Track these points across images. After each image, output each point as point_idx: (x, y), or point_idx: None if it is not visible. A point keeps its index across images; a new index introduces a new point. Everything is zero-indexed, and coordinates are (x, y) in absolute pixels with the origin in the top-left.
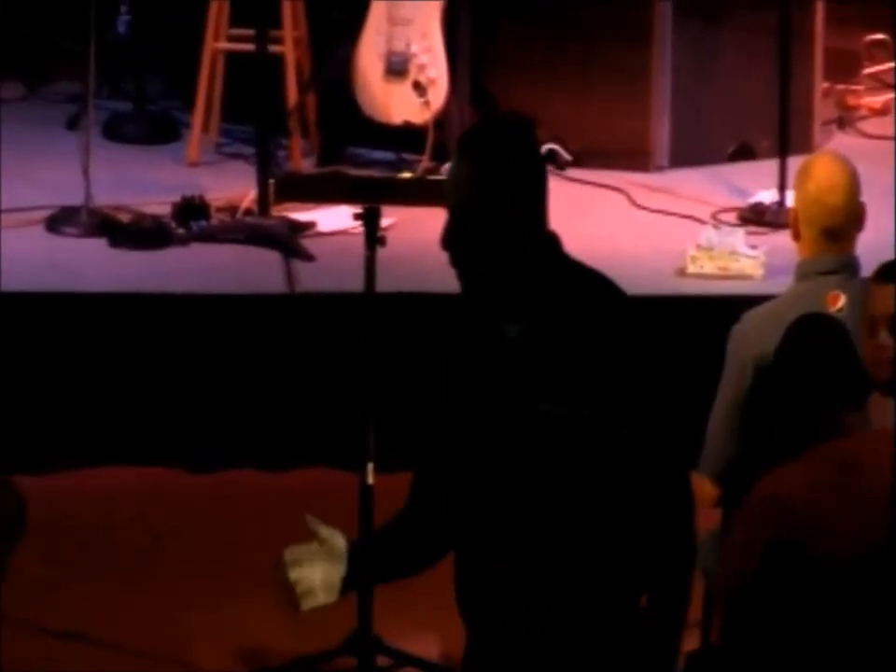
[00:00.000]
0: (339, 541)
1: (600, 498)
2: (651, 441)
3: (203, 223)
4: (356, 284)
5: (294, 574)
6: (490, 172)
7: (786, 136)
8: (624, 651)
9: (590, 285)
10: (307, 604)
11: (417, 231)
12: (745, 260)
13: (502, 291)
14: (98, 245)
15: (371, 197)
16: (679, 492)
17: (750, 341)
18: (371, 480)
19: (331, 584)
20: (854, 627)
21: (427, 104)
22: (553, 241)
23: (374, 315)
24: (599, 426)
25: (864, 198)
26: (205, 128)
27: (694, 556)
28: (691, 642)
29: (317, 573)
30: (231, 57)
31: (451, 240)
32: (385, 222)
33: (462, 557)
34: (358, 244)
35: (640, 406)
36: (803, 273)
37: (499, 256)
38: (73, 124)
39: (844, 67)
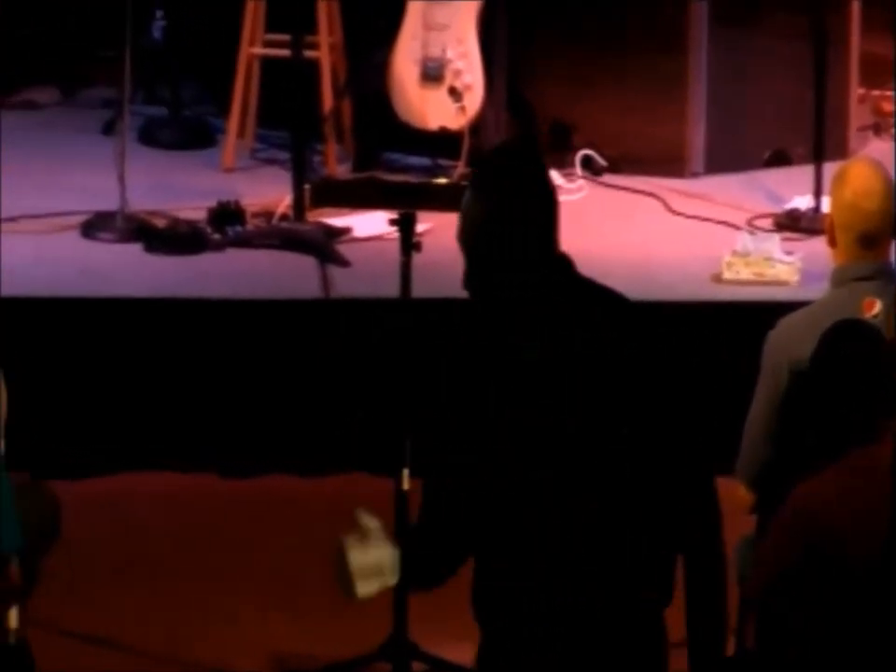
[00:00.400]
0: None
1: (610, 501)
2: (669, 447)
3: (239, 228)
4: (391, 289)
5: (355, 559)
6: (505, 210)
7: (821, 142)
8: (634, 655)
9: (600, 298)
10: (368, 588)
11: (452, 237)
12: (780, 266)
13: (518, 314)
14: (133, 250)
15: (406, 202)
16: (702, 498)
17: (786, 347)
18: (406, 485)
19: (393, 565)
20: (884, 635)
21: (462, 109)
22: (565, 262)
23: (409, 320)
24: (614, 436)
25: None
26: (241, 133)
27: (724, 565)
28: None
29: (381, 554)
30: (267, 62)
31: (472, 279)
32: (420, 227)
33: (476, 560)
34: (394, 249)
35: (656, 412)
36: (838, 279)
37: (516, 282)
38: (108, 129)
39: (879, 73)
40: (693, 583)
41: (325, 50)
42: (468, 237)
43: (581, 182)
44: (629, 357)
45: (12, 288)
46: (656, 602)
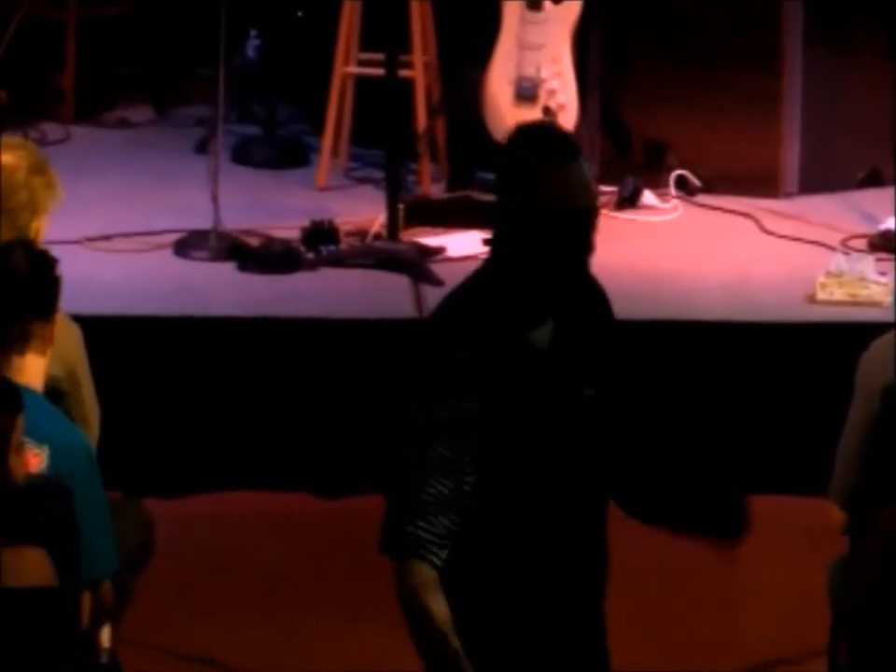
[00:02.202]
0: None
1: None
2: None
3: (333, 248)
4: None
5: None
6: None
7: None
8: None
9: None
10: None
11: None
12: (874, 287)
13: (544, 299)
14: (227, 269)
15: None
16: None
17: (879, 368)
18: None
19: None
20: None
21: None
22: None
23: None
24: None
25: None
26: (335, 152)
27: None
28: (819, 667)
29: None
30: (361, 81)
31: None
32: None
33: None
34: None
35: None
36: None
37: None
38: (202, 148)
39: None
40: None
41: (419, 69)
42: (587, 197)
43: (675, 202)
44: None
45: (106, 307)
46: None
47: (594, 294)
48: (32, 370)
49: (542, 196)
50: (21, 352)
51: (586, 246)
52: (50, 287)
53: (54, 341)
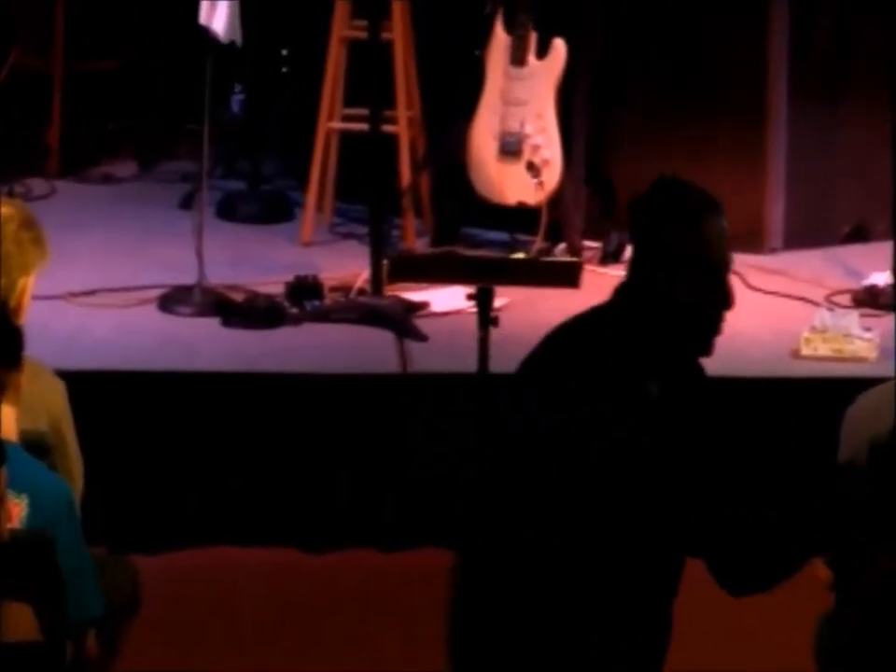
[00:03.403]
0: None
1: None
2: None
3: (317, 303)
4: (469, 364)
5: None
6: None
7: None
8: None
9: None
10: None
11: (531, 312)
12: (859, 343)
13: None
14: (211, 323)
15: (484, 277)
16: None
17: (864, 423)
18: None
19: None
20: None
21: (540, 184)
22: None
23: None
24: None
25: None
26: (319, 207)
27: None
28: None
29: None
30: (346, 136)
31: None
32: (498, 302)
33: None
34: (472, 324)
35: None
36: None
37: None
38: (187, 203)
39: None
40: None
41: (403, 125)
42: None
43: None
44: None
45: (90, 362)
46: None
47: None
48: (5, 420)
49: (714, 245)
50: None
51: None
52: (12, 336)
53: (39, 396)
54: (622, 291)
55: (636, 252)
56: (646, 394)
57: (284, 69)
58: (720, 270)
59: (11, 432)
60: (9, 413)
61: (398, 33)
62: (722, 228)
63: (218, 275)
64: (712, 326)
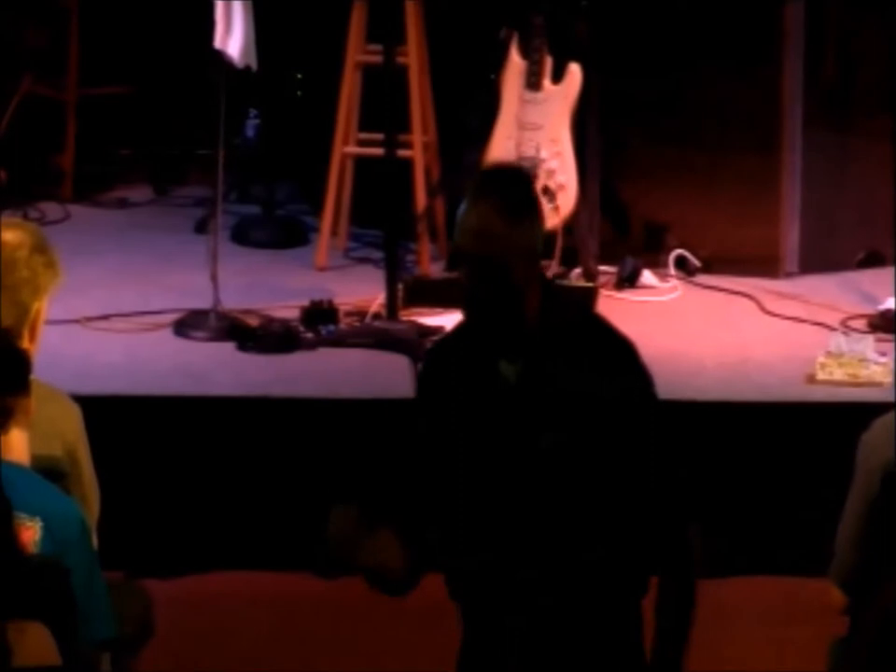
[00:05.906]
0: None
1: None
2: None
3: (332, 327)
4: None
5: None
6: (515, 214)
7: None
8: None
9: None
10: None
11: None
12: (874, 367)
13: (505, 332)
14: (226, 348)
15: None
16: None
17: (879, 449)
18: None
19: None
20: None
21: (556, 209)
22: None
23: None
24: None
25: None
26: (334, 232)
27: (694, 593)
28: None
29: None
30: (360, 161)
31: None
32: None
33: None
34: None
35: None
36: None
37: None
38: (201, 228)
39: None
40: (664, 606)
41: (418, 149)
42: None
43: (674, 282)
44: (607, 388)
45: (104, 387)
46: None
47: (588, 347)
48: (17, 445)
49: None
50: (5, 429)
51: (492, 293)
52: (18, 361)
53: (54, 421)
54: None
55: None
56: (496, 372)
57: (298, 94)
58: (471, 261)
59: (23, 456)
60: (20, 436)
61: (413, 57)
62: (476, 220)
63: (233, 300)
64: (490, 315)
